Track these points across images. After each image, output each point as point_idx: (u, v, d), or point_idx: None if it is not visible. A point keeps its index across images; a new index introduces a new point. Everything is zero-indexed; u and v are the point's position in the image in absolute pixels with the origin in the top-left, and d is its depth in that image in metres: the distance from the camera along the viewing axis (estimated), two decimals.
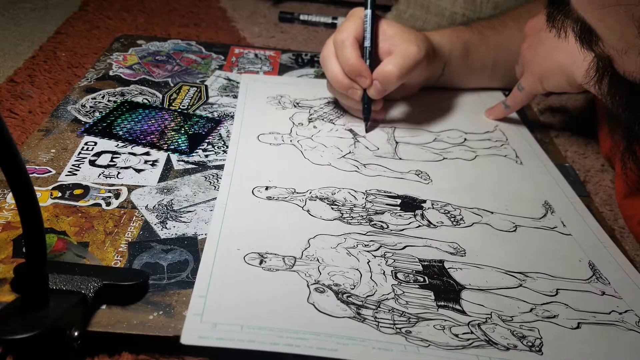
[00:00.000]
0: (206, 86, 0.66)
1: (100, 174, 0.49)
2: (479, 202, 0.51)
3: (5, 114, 0.58)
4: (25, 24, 0.81)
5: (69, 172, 0.49)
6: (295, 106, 0.64)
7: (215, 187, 0.49)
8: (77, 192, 0.46)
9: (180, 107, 0.61)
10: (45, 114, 0.58)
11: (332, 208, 0.48)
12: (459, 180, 0.54)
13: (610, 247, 0.47)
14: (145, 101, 0.61)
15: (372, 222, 0.47)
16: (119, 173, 0.49)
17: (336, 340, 0.35)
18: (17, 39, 0.76)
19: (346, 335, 0.35)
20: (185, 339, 0.34)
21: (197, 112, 0.60)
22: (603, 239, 0.48)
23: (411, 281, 0.41)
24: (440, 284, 0.41)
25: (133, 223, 0.44)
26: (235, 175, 0.50)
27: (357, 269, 0.41)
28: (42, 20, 0.83)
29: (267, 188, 0.49)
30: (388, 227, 0.46)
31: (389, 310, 0.38)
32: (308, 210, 0.47)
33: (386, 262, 0.42)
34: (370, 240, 0.45)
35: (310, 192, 0.49)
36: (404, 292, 0.40)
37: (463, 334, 0.37)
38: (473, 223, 0.48)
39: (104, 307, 0.36)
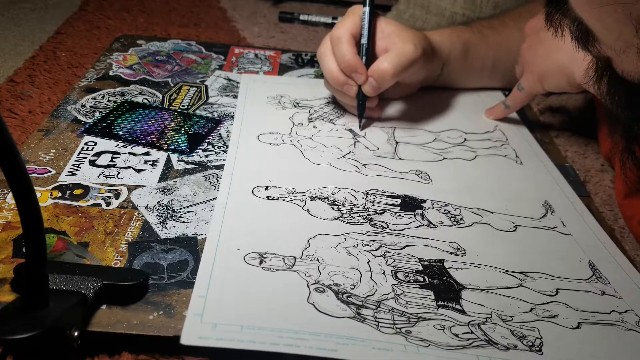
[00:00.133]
0: (206, 86, 0.66)
1: (100, 174, 0.49)
2: (479, 202, 0.51)
3: (5, 114, 0.58)
4: (25, 24, 0.81)
5: (69, 172, 0.49)
6: (295, 106, 0.64)
7: (215, 187, 0.49)
8: (77, 192, 0.46)
9: (180, 107, 0.61)
10: (45, 114, 0.58)
11: (332, 208, 0.48)
12: (459, 180, 0.54)
13: (610, 247, 0.47)
14: (145, 101, 0.61)
15: (372, 222, 0.47)
16: (119, 173, 0.49)
17: (336, 341, 0.35)
18: (17, 39, 0.76)
19: (346, 335, 0.35)
20: (185, 339, 0.34)
21: (197, 112, 0.60)
22: (603, 239, 0.48)
23: (411, 281, 0.41)
24: (440, 283, 0.41)
25: (133, 223, 0.44)
26: (235, 175, 0.50)
27: (357, 269, 0.41)
28: (42, 20, 0.83)
29: (267, 188, 0.49)
30: (388, 227, 0.46)
31: (389, 310, 0.38)
32: (308, 210, 0.47)
33: (386, 262, 0.42)
34: (370, 240, 0.45)
35: (310, 192, 0.49)
36: (404, 292, 0.40)
37: (463, 333, 0.37)
38: (473, 223, 0.48)
39: (104, 307, 0.36)
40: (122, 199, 0.46)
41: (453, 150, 0.59)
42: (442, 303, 0.39)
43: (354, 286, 0.40)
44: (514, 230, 0.48)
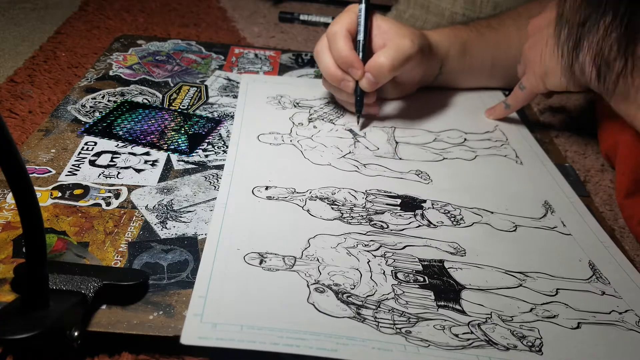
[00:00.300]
0: (206, 86, 0.66)
1: (100, 174, 0.49)
2: (479, 202, 0.51)
3: (5, 114, 0.58)
4: (25, 24, 0.81)
5: (69, 172, 0.49)
6: (295, 106, 0.64)
7: (215, 187, 0.49)
8: (77, 192, 0.46)
9: (180, 107, 0.61)
10: (45, 114, 0.58)
11: (332, 208, 0.48)
12: (459, 180, 0.54)
13: (610, 247, 0.47)
14: (145, 101, 0.61)
15: (372, 222, 0.47)
16: (119, 173, 0.49)
17: (336, 340, 0.35)
18: (17, 39, 0.76)
19: (346, 335, 0.35)
20: (185, 339, 0.34)
21: (197, 112, 0.60)
22: (603, 239, 0.48)
23: (411, 281, 0.41)
24: (440, 283, 0.41)
25: (133, 223, 0.44)
26: (235, 175, 0.50)
27: (357, 269, 0.41)
28: (42, 20, 0.83)
29: (267, 188, 0.49)
30: (388, 227, 0.46)
31: (389, 310, 0.38)
32: (308, 210, 0.47)
33: (386, 262, 0.42)
34: (370, 240, 0.45)
35: (310, 192, 0.49)
36: (404, 292, 0.40)
37: (463, 334, 0.37)
38: (473, 223, 0.48)
39: (104, 307, 0.36)
40: (122, 199, 0.46)
41: (453, 150, 0.59)
42: (442, 303, 0.39)
43: (354, 286, 0.40)
44: (514, 230, 0.48)
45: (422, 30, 0.62)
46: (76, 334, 0.33)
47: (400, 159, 0.56)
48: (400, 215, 0.48)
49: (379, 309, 0.38)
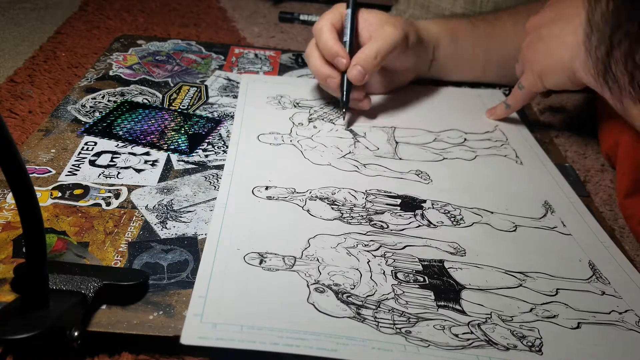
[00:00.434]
0: (206, 86, 0.66)
1: (100, 174, 0.49)
2: (479, 202, 0.51)
3: (5, 114, 0.58)
4: (25, 24, 0.81)
5: (69, 172, 0.49)
6: (295, 106, 0.64)
7: (215, 187, 0.49)
8: (77, 192, 0.46)
9: (180, 107, 0.61)
10: (45, 114, 0.58)
11: (332, 208, 0.48)
12: (459, 180, 0.54)
13: (610, 247, 0.47)
14: (145, 101, 0.61)
15: (372, 222, 0.47)
16: (119, 173, 0.49)
17: (336, 340, 0.35)
18: (17, 39, 0.76)
19: (346, 335, 0.35)
20: (185, 339, 0.34)
21: (197, 112, 0.60)
22: (603, 239, 0.48)
23: (411, 281, 0.41)
24: (440, 283, 0.41)
25: (133, 223, 0.44)
26: (235, 175, 0.50)
27: (357, 269, 0.41)
28: (42, 20, 0.83)
29: (267, 188, 0.49)
30: (388, 227, 0.46)
31: (389, 310, 0.38)
32: (308, 210, 0.47)
33: (386, 262, 0.42)
34: (370, 240, 0.45)
35: (310, 192, 0.49)
36: (404, 292, 0.40)
37: (463, 334, 0.37)
38: (473, 223, 0.48)
39: (104, 307, 0.36)
40: (122, 199, 0.46)
41: (453, 150, 0.59)
42: (442, 303, 0.39)
43: (354, 286, 0.40)
44: (514, 230, 0.48)
45: (413, 21, 0.63)
46: (76, 334, 0.33)
47: (400, 159, 0.56)
48: (400, 215, 0.48)
49: (379, 309, 0.38)
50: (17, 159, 0.27)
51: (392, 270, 0.42)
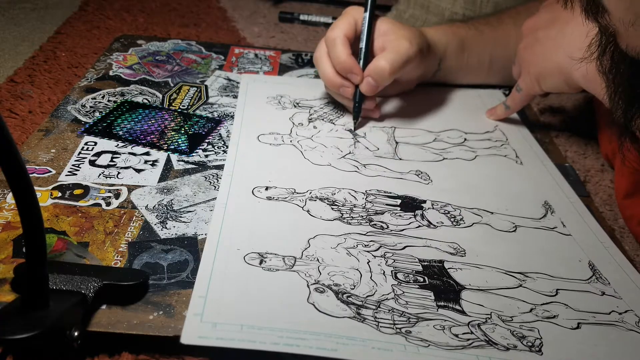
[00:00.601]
0: (206, 86, 0.66)
1: (100, 174, 0.49)
2: (479, 202, 0.51)
3: (5, 114, 0.58)
4: (25, 24, 0.81)
5: (69, 172, 0.49)
6: (295, 106, 0.64)
7: (215, 187, 0.49)
8: (77, 192, 0.46)
9: (180, 107, 0.61)
10: (45, 114, 0.58)
11: (332, 208, 0.48)
12: (459, 180, 0.54)
13: (610, 247, 0.47)
14: (145, 101, 0.61)
15: (372, 222, 0.47)
16: (119, 173, 0.49)
17: (336, 340, 0.35)
18: (17, 39, 0.76)
19: (346, 335, 0.35)
20: (185, 339, 0.34)
21: (197, 112, 0.60)
22: (603, 239, 0.48)
23: (411, 281, 0.41)
24: (440, 284, 0.41)
25: (133, 223, 0.44)
26: (235, 175, 0.50)
27: (357, 269, 0.41)
28: (42, 20, 0.83)
29: (267, 188, 0.49)
30: (388, 227, 0.46)
31: (389, 310, 0.38)
32: (308, 211, 0.47)
33: (386, 262, 0.42)
34: (370, 241, 0.45)
35: (310, 193, 0.49)
36: (403, 292, 0.40)
37: (463, 334, 0.37)
38: (473, 223, 0.48)
39: (104, 307, 0.36)
40: (122, 199, 0.46)
41: (453, 150, 0.59)
42: (442, 303, 0.39)
43: (354, 286, 0.40)
44: (514, 231, 0.48)
45: (420, 28, 0.62)
46: (76, 334, 0.33)
47: (400, 159, 0.56)
48: (400, 215, 0.48)
49: (379, 309, 0.38)
50: (17, 159, 0.27)
51: (392, 271, 0.42)
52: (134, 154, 0.52)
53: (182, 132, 0.56)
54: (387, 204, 0.49)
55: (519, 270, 0.43)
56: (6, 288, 0.36)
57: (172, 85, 0.65)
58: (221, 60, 0.73)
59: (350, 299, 0.39)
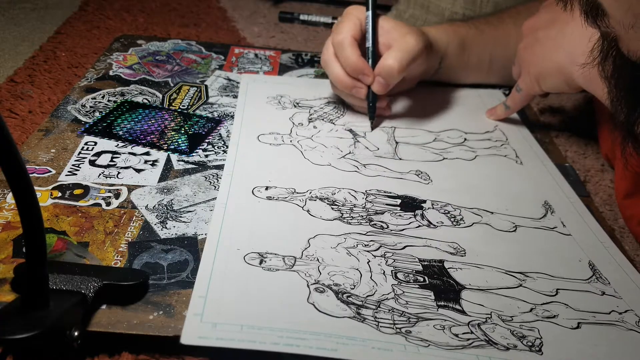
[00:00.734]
0: (206, 86, 0.66)
1: (100, 174, 0.49)
2: (479, 202, 0.51)
3: (5, 114, 0.58)
4: (25, 24, 0.81)
5: (69, 172, 0.49)
6: (295, 106, 0.64)
7: (215, 187, 0.49)
8: (77, 192, 0.46)
9: (180, 107, 0.61)
10: (45, 114, 0.58)
11: (332, 208, 0.48)
12: (459, 180, 0.54)
13: (610, 247, 0.47)
14: (145, 101, 0.61)
15: (372, 222, 0.47)
16: (119, 173, 0.49)
17: (336, 340, 0.35)
18: (17, 39, 0.76)
19: (346, 335, 0.35)
20: (185, 339, 0.34)
21: (197, 112, 0.60)
22: (603, 239, 0.48)
23: (411, 281, 0.41)
24: (440, 283, 0.41)
25: (133, 223, 0.44)
26: (235, 175, 0.50)
27: (357, 269, 0.41)
28: (42, 20, 0.83)
29: (267, 188, 0.49)
30: (388, 227, 0.46)
31: (389, 310, 0.38)
32: (308, 210, 0.47)
33: (386, 262, 0.42)
34: (370, 240, 0.45)
35: (310, 192, 0.49)
36: (404, 292, 0.40)
37: (463, 333, 0.37)
38: (473, 223, 0.48)
39: (104, 307, 0.36)
40: (122, 199, 0.46)
41: (453, 150, 0.59)
42: (442, 303, 0.39)
43: (354, 286, 0.40)
44: (514, 231, 0.48)
45: (421, 27, 0.62)
46: (76, 334, 0.33)
47: (400, 159, 0.56)
48: (400, 215, 0.48)
49: (379, 308, 0.38)
50: (17, 159, 0.27)
51: (392, 270, 0.42)
52: (134, 154, 0.52)
53: (182, 132, 0.56)
54: (387, 204, 0.49)
55: (519, 270, 0.44)
56: (6, 288, 0.36)
57: (172, 85, 0.65)
58: (221, 60, 0.73)
59: (350, 298, 0.39)
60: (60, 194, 0.46)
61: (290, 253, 0.42)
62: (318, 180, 0.51)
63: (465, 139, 0.61)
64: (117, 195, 0.46)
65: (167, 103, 0.61)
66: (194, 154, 0.53)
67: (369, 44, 0.59)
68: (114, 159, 0.51)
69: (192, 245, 0.42)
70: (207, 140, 0.55)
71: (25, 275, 0.31)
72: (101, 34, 0.79)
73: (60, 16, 0.84)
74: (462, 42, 0.65)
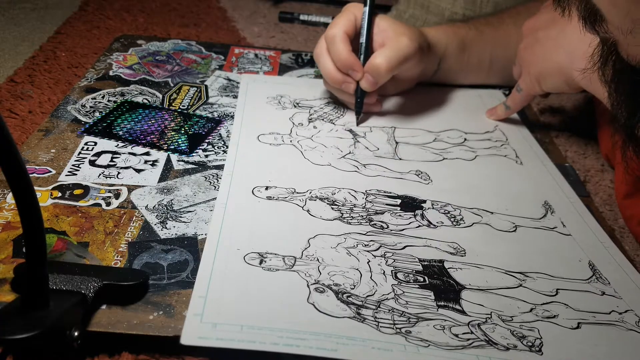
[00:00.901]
0: (206, 86, 0.66)
1: (100, 174, 0.49)
2: (479, 202, 0.51)
3: (5, 114, 0.58)
4: (25, 24, 0.81)
5: (69, 172, 0.49)
6: (295, 106, 0.64)
7: (215, 187, 0.49)
8: (77, 192, 0.46)
9: (180, 107, 0.61)
10: (45, 114, 0.58)
11: (332, 208, 0.48)
12: (459, 180, 0.54)
13: (610, 247, 0.47)
14: (145, 101, 0.61)
15: (372, 222, 0.47)
16: (119, 173, 0.49)
17: (336, 340, 0.35)
18: (17, 39, 0.76)
19: (346, 335, 0.35)
20: (185, 339, 0.34)
21: (197, 112, 0.60)
22: (603, 239, 0.48)
23: (411, 281, 0.41)
24: (440, 284, 0.41)
25: (133, 223, 0.44)
26: (235, 175, 0.50)
27: (357, 269, 0.41)
28: (42, 20, 0.83)
29: (267, 188, 0.49)
30: (388, 227, 0.46)
31: (389, 310, 0.38)
32: (308, 210, 0.47)
33: (386, 262, 0.42)
34: (370, 240, 0.45)
35: (310, 192, 0.49)
36: (404, 292, 0.40)
37: (463, 334, 0.37)
38: (473, 223, 0.48)
39: (104, 307, 0.36)
40: (122, 199, 0.46)
41: (453, 150, 0.59)
42: (442, 303, 0.39)
43: (354, 286, 0.40)
44: (514, 231, 0.48)
45: (421, 28, 0.62)
46: (76, 334, 0.33)
47: (400, 159, 0.56)
48: (400, 215, 0.48)
49: (379, 309, 0.38)
50: (17, 159, 0.27)
51: (392, 271, 0.42)
52: (134, 154, 0.52)
53: (182, 132, 0.56)
54: (387, 204, 0.49)
55: (519, 270, 0.43)
56: (6, 288, 0.36)
57: (172, 85, 0.65)
58: (221, 60, 0.73)
59: (350, 298, 0.39)
60: (60, 194, 0.46)
61: (290, 253, 0.42)
62: (318, 180, 0.51)
63: (465, 139, 0.61)
64: (117, 196, 0.46)
65: (167, 103, 0.61)
66: (194, 154, 0.53)
67: (363, 40, 0.59)
68: (114, 159, 0.51)
69: (192, 245, 0.42)
70: (207, 141, 0.55)
71: (25, 275, 0.31)
72: (101, 34, 0.79)
73: (60, 16, 0.84)
74: (462, 43, 0.65)
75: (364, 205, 0.49)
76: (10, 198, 0.44)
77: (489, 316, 0.39)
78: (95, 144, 0.53)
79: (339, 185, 0.51)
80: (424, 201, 0.50)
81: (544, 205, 0.52)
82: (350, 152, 0.56)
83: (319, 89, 0.67)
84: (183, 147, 0.54)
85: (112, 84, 0.64)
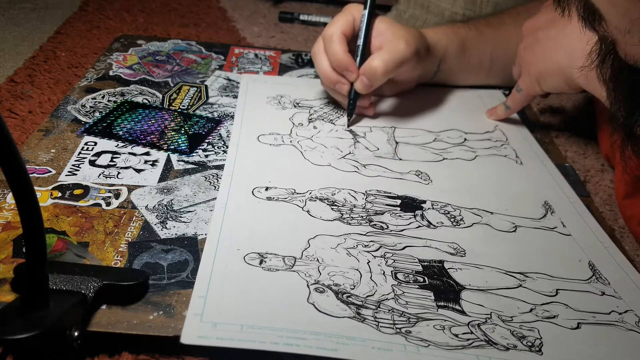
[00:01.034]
0: (206, 86, 0.66)
1: (100, 174, 0.49)
2: (479, 202, 0.51)
3: (5, 114, 0.58)
4: (25, 24, 0.81)
5: (69, 172, 0.49)
6: (295, 106, 0.64)
7: (215, 187, 0.49)
8: (77, 192, 0.46)
9: (180, 107, 0.61)
10: (45, 114, 0.58)
11: (332, 208, 0.48)
12: (459, 180, 0.54)
13: (610, 247, 0.47)
14: (145, 101, 0.61)
15: (372, 223, 0.47)
16: (119, 173, 0.49)
17: (336, 340, 0.35)
18: (17, 39, 0.76)
19: (346, 335, 0.35)
20: (185, 339, 0.34)
21: (197, 112, 0.60)
22: (603, 239, 0.48)
23: (411, 281, 0.41)
24: (440, 284, 0.41)
25: (133, 223, 0.44)
26: (235, 175, 0.50)
27: (357, 269, 0.41)
28: (42, 20, 0.83)
29: (267, 188, 0.49)
30: (388, 227, 0.46)
31: (389, 310, 0.38)
32: (308, 211, 0.47)
33: (386, 262, 0.42)
34: (370, 241, 0.45)
35: (310, 193, 0.49)
36: (403, 292, 0.40)
37: (463, 334, 0.37)
38: (473, 223, 0.48)
39: (104, 307, 0.36)
40: (122, 199, 0.46)
41: (453, 151, 0.59)
42: (442, 303, 0.39)
43: (354, 286, 0.40)
44: (514, 231, 0.48)
45: (421, 29, 0.62)
46: (76, 334, 0.33)
47: (400, 159, 0.56)
48: (400, 215, 0.48)
49: (379, 309, 0.38)
50: (17, 159, 0.27)
51: (392, 271, 0.42)
52: (134, 154, 0.52)
53: (182, 132, 0.56)
54: (387, 204, 0.49)
55: (518, 270, 0.44)
56: (6, 288, 0.36)
57: (172, 85, 0.65)
58: (221, 60, 0.73)
59: (350, 299, 0.39)
60: (60, 194, 0.46)
61: (290, 253, 0.42)
62: (318, 180, 0.51)
63: (465, 139, 0.61)
64: (117, 196, 0.46)
65: (167, 103, 0.61)
66: (194, 154, 0.53)
67: (360, 42, 0.59)
68: (114, 159, 0.51)
69: (192, 246, 0.42)
70: (207, 141, 0.55)
71: (25, 275, 0.31)
72: (101, 34, 0.79)
73: (60, 16, 0.84)
74: (462, 44, 0.65)
75: (363, 205, 0.49)
76: (10, 198, 0.44)
77: (489, 316, 0.39)
78: (95, 144, 0.53)
79: (339, 185, 0.51)
80: (424, 201, 0.50)
81: (544, 205, 0.52)
82: (350, 153, 0.56)
83: (319, 89, 0.67)
84: (183, 147, 0.54)
85: (112, 84, 0.64)
